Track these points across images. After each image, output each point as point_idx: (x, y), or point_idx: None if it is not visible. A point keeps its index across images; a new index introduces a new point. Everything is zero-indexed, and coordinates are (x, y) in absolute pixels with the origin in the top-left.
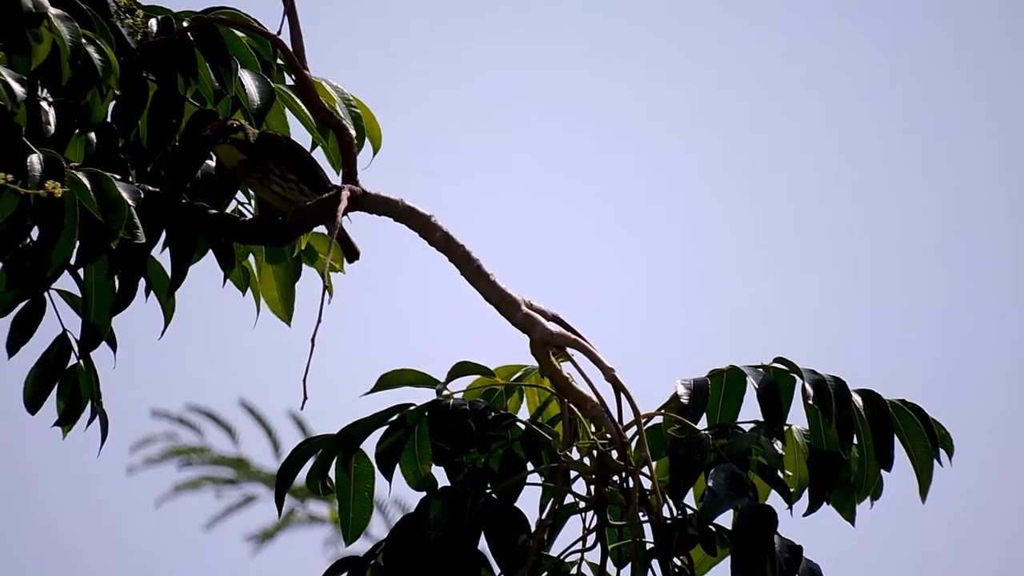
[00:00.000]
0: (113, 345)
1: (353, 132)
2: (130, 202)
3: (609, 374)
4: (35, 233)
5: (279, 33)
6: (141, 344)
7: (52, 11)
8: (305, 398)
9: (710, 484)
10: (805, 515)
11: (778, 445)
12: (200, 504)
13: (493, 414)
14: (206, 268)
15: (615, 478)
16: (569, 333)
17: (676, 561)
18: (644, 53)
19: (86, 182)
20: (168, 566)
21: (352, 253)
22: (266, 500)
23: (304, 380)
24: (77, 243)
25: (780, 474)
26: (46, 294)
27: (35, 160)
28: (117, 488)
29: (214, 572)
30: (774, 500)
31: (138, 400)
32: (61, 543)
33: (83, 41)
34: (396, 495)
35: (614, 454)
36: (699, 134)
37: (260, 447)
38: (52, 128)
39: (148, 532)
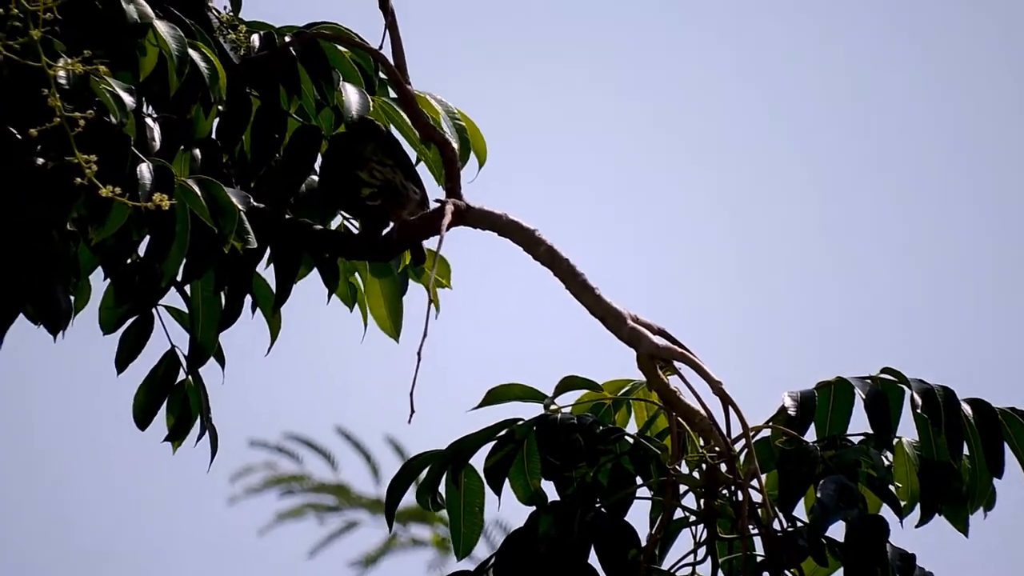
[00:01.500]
0: (221, 361)
1: (457, 145)
2: (241, 207)
3: (716, 387)
4: (142, 249)
5: (381, 48)
6: (242, 363)
7: (157, 23)
8: (412, 412)
9: (819, 496)
10: (917, 527)
11: (887, 456)
12: (303, 531)
13: (601, 428)
14: (310, 286)
15: (724, 491)
16: (675, 346)
17: (787, 573)
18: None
19: (196, 189)
20: None
21: (419, 258)
22: (368, 525)
23: (411, 394)
24: (185, 257)
25: (890, 486)
26: (154, 310)
27: (144, 170)
28: (218, 517)
29: None
30: (884, 513)
31: (239, 419)
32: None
33: (189, 50)
34: (500, 514)
35: (723, 467)
36: (802, 137)
37: (360, 473)
38: (158, 144)
39: (252, 560)
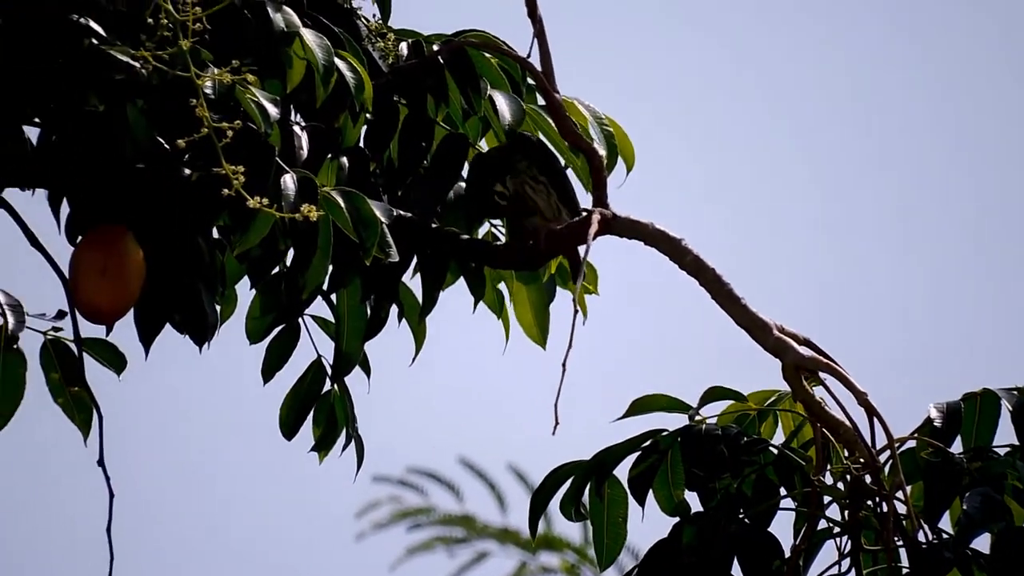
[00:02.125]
0: (367, 370)
1: (605, 152)
2: (383, 220)
3: (862, 398)
4: (287, 258)
5: (529, 56)
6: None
7: (304, 32)
8: (556, 423)
9: (965, 508)
10: None
11: None
12: (433, 564)
13: (745, 439)
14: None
15: (869, 502)
16: (821, 357)
17: None
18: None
19: (340, 201)
20: None
21: (575, 268)
22: (497, 555)
23: (555, 405)
24: (330, 267)
25: None
26: (300, 320)
27: (289, 181)
28: (346, 554)
29: None
30: None
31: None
32: None
33: (335, 60)
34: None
35: (868, 478)
36: (951, 132)
37: (485, 502)
38: (304, 153)
39: None
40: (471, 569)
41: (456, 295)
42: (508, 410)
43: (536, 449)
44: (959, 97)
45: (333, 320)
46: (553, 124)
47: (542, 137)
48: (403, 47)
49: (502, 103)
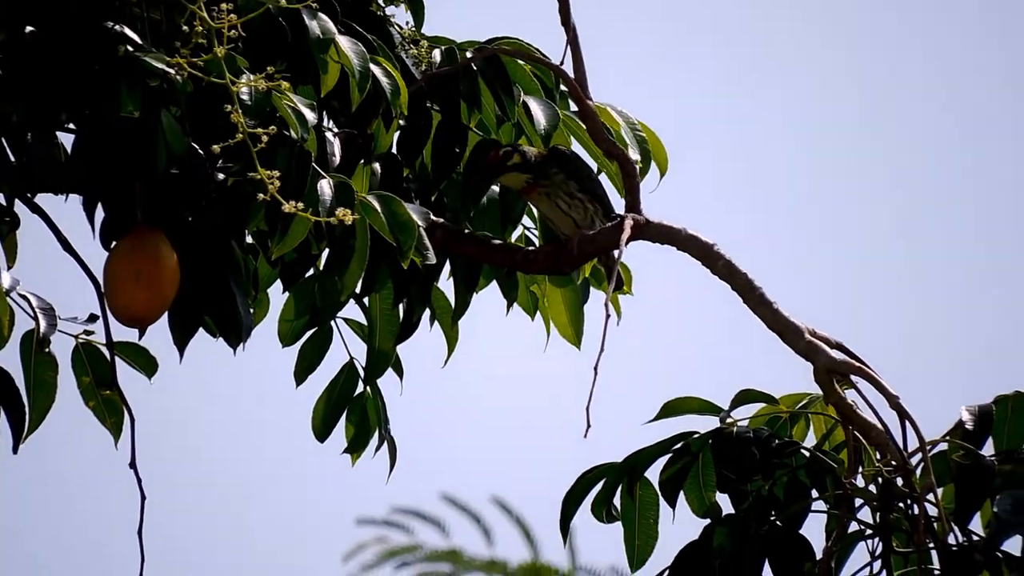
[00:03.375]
0: (399, 372)
1: (638, 156)
2: (420, 223)
3: (893, 401)
4: (320, 262)
5: (562, 63)
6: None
7: (340, 38)
8: (588, 426)
9: (996, 510)
10: None
11: None
12: None
13: (777, 441)
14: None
15: (900, 505)
16: (853, 360)
17: None
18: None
19: (376, 205)
20: None
21: (610, 277)
22: None
23: (587, 409)
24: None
25: None
26: (332, 322)
27: (325, 186)
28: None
29: None
30: None
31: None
32: None
33: (371, 66)
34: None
35: (899, 481)
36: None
37: (471, 536)
38: (337, 159)
39: None
40: None
41: (489, 297)
42: (539, 412)
43: (567, 451)
44: (1005, 98)
45: (365, 322)
46: (586, 130)
47: (575, 143)
48: (436, 54)
49: (536, 108)
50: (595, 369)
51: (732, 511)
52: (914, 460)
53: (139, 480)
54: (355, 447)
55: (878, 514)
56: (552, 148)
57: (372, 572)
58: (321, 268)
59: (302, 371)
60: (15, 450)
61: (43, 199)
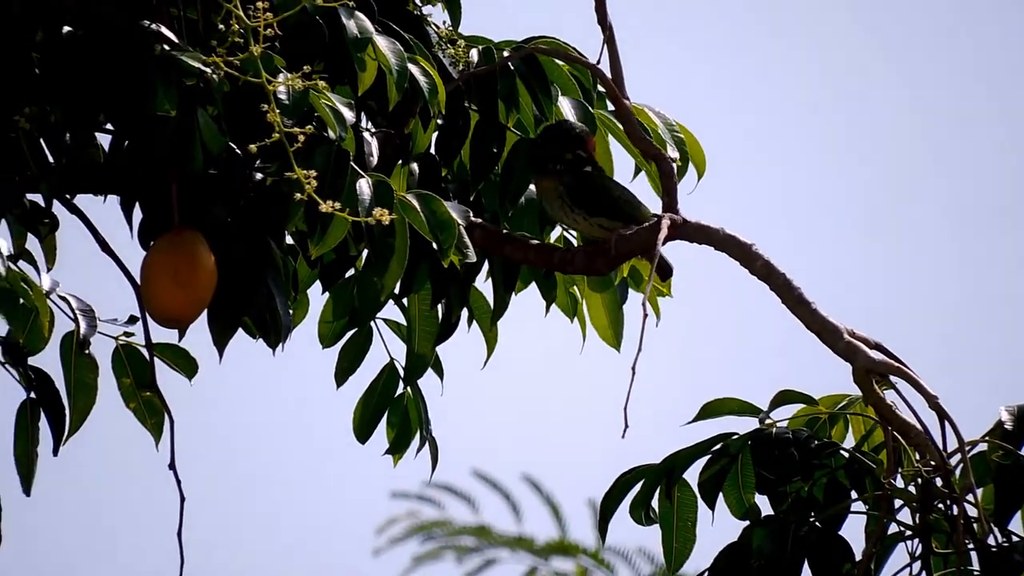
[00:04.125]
0: (440, 373)
1: (676, 155)
2: (460, 222)
3: (933, 402)
4: (359, 262)
5: (599, 62)
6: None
7: (377, 37)
8: (626, 427)
9: None
10: None
11: None
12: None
13: (816, 442)
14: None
15: (939, 505)
16: (892, 361)
17: None
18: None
19: (416, 204)
20: None
21: (665, 270)
22: (507, 563)
23: (625, 409)
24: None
25: None
26: (372, 323)
27: (364, 185)
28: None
29: None
30: None
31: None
32: None
33: (408, 65)
34: None
35: (938, 481)
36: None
37: (503, 513)
38: (375, 159)
39: None
40: (479, 574)
41: (528, 298)
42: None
43: (605, 452)
44: None
45: (404, 323)
46: (623, 130)
47: (612, 142)
48: (473, 54)
49: (567, 109)
50: (633, 369)
51: (771, 512)
52: (953, 460)
53: (178, 481)
54: (396, 448)
55: (917, 515)
56: (581, 174)
57: (402, 544)
58: (360, 268)
59: (342, 372)
60: (55, 452)
61: (81, 200)
